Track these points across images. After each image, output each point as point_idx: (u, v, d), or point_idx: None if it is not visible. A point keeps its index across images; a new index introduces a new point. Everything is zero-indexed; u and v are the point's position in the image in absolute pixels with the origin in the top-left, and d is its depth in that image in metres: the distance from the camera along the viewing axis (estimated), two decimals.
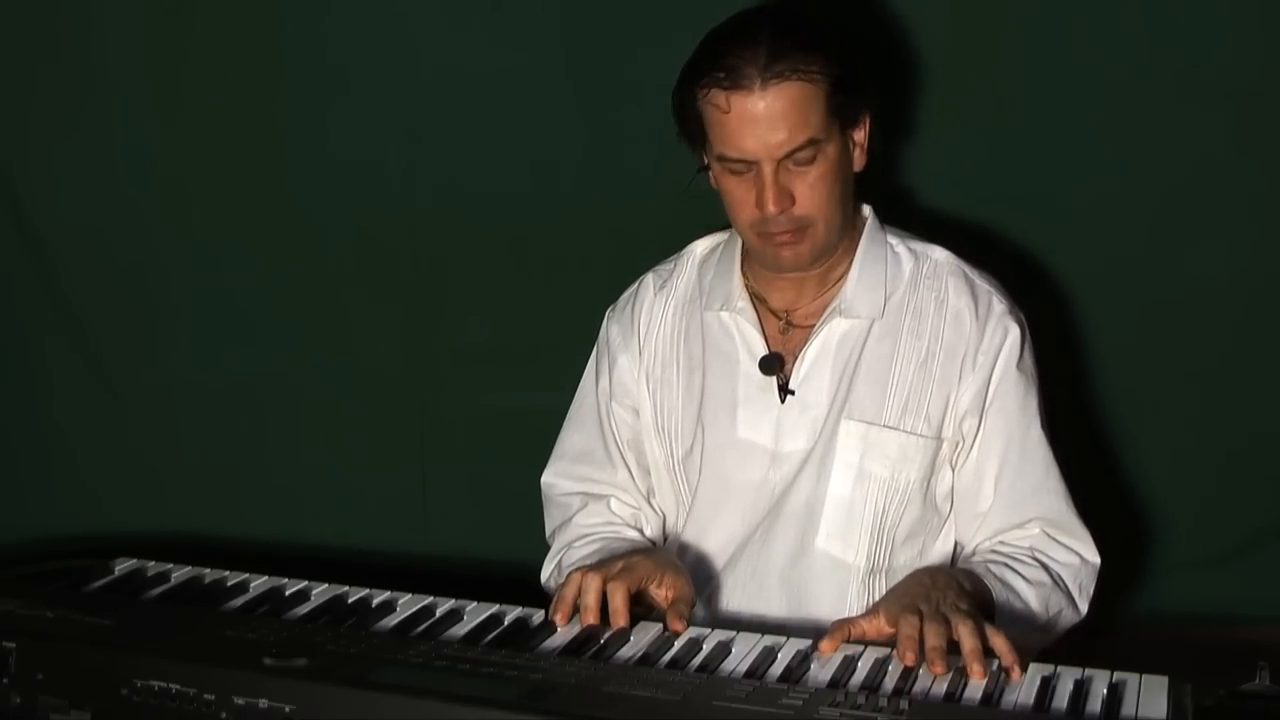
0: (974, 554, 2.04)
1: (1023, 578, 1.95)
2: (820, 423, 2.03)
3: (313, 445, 2.65)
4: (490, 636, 1.75)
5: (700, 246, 2.18)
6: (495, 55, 2.44)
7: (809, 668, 1.65)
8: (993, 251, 2.26)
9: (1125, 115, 2.33)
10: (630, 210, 2.44)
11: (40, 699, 1.58)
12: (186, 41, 2.49)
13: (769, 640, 1.73)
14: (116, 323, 2.62)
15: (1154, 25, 2.29)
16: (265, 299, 2.59)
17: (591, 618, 1.78)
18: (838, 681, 1.61)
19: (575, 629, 1.77)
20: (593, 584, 1.80)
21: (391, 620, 1.80)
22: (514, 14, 2.43)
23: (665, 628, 1.77)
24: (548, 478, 2.21)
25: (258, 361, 2.62)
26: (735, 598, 2.06)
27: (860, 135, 2.01)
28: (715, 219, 2.11)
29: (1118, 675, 1.58)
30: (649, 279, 2.19)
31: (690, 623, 1.79)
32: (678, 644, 1.73)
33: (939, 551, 2.06)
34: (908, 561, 2.04)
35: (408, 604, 1.85)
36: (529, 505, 2.23)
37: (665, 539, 2.16)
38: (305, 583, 1.91)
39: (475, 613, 1.82)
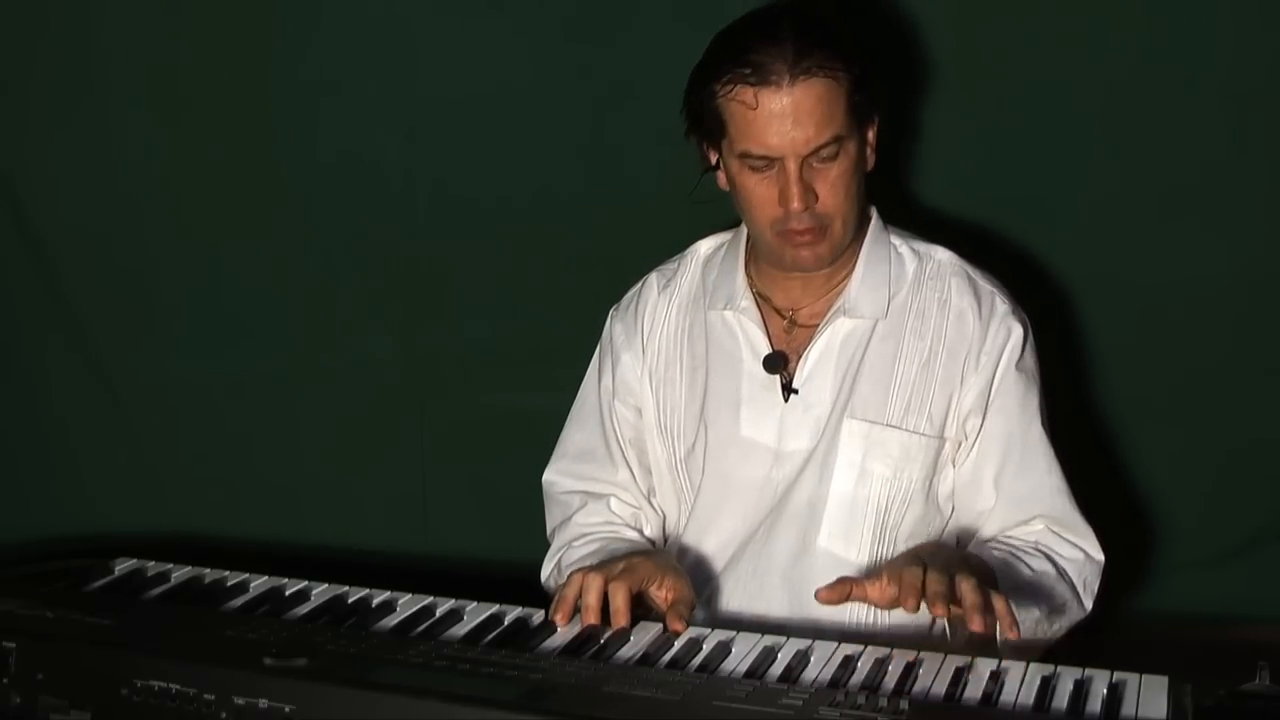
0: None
1: (1028, 567, 1.95)
2: (823, 422, 2.03)
3: (313, 445, 2.64)
4: (490, 636, 1.75)
5: (704, 246, 2.18)
6: (495, 56, 2.44)
7: (809, 668, 1.65)
8: (993, 252, 2.26)
9: (1125, 115, 2.33)
10: (630, 210, 2.44)
11: (40, 699, 1.57)
12: (186, 42, 2.49)
13: (769, 640, 1.73)
14: (116, 323, 2.62)
15: (1154, 26, 2.29)
16: (265, 299, 2.59)
17: (593, 618, 1.78)
18: (838, 681, 1.61)
19: (575, 629, 1.77)
20: (594, 584, 1.80)
21: (391, 620, 1.80)
22: (514, 14, 2.43)
23: (665, 628, 1.77)
24: (549, 476, 2.21)
25: (258, 362, 2.62)
26: (737, 596, 2.05)
27: (872, 135, 2.01)
28: (716, 220, 2.11)
29: (1118, 675, 1.58)
30: (653, 278, 2.19)
31: (690, 623, 1.79)
32: (678, 644, 1.73)
33: None
34: None
35: (408, 604, 1.85)
36: (529, 505, 2.23)
37: (665, 539, 2.17)
38: (305, 583, 1.91)
39: (475, 613, 1.82)
